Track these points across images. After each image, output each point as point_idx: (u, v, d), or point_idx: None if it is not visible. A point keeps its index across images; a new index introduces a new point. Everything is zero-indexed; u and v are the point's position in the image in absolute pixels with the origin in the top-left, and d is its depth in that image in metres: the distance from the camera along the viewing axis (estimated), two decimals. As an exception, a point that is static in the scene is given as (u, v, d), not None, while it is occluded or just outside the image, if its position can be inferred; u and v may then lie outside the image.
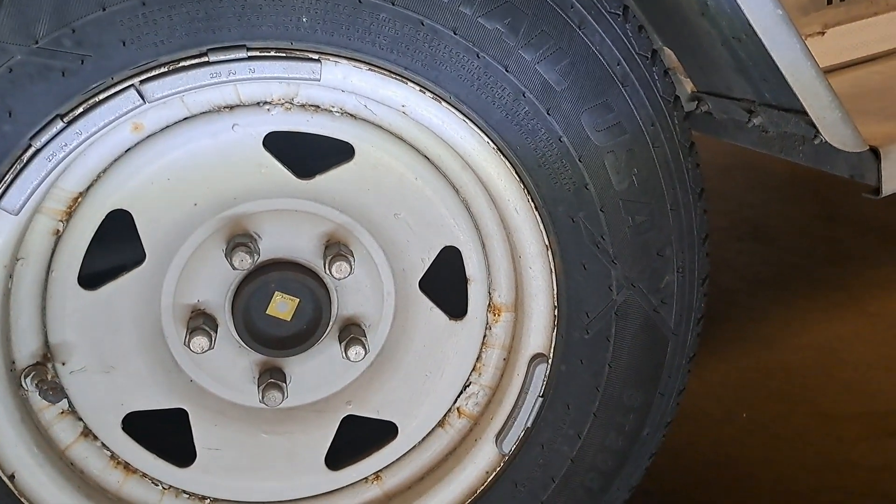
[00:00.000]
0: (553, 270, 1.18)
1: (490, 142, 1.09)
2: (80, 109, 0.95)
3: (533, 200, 1.13)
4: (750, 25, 1.16)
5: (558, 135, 1.08)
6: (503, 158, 1.10)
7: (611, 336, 1.20)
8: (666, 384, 1.26)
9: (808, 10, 1.67)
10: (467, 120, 1.07)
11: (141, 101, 0.97)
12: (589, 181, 1.12)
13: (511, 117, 1.06)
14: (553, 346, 1.22)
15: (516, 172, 1.12)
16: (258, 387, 1.21)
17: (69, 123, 0.95)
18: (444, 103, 1.06)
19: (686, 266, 1.21)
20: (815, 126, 1.31)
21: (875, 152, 1.29)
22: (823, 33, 1.71)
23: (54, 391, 1.07)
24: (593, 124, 1.09)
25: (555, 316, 1.21)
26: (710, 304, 2.82)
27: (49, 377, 1.09)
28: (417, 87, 1.04)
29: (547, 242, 1.17)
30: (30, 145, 0.95)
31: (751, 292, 2.74)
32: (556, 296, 1.19)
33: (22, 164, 0.95)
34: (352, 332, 1.22)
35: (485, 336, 1.28)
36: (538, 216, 1.15)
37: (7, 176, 0.94)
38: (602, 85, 1.08)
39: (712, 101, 1.62)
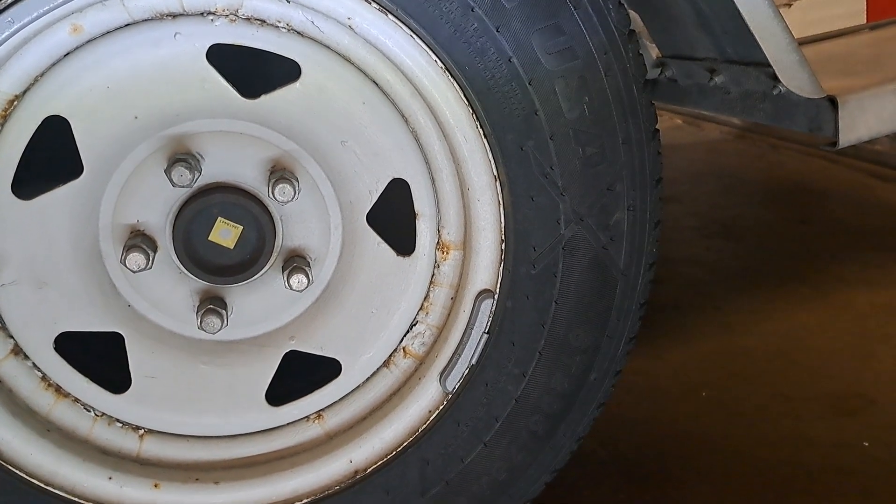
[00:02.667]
0: (501, 203, 1.14)
1: (438, 61, 1.05)
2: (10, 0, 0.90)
3: (482, 127, 1.09)
4: (708, -32, 1.14)
5: (508, 55, 1.04)
6: (451, 80, 1.06)
7: (558, 272, 1.15)
8: (615, 327, 1.21)
9: (775, -21, 1.65)
10: (414, 35, 1.03)
11: (77, -7, 0.93)
12: (539, 107, 1.07)
13: (459, 34, 1.02)
14: (499, 281, 1.17)
15: (465, 95, 1.07)
16: (196, 313, 1.15)
17: (1, 10, 0.90)
18: (390, 16, 1.01)
19: (637, 206, 1.16)
20: (774, 77, 1.28)
21: (833, 102, 1.26)
22: (790, 5, 1.69)
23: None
24: (544, 46, 1.05)
25: (502, 250, 1.16)
26: (675, 294, 2.81)
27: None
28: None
29: (496, 173, 1.12)
30: (-43, 29, 0.90)
31: (717, 284, 2.71)
32: (503, 229, 1.15)
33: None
34: (296, 263, 1.17)
35: (433, 275, 1.23)
36: (487, 144, 1.10)
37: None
38: (553, 5, 1.04)
39: (676, 66, 1.60)
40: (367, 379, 1.25)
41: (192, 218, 1.11)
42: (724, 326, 2.37)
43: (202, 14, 1.03)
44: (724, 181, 4.16)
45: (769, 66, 1.23)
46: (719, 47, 1.34)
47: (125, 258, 1.08)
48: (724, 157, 4.67)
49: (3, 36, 0.92)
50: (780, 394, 1.96)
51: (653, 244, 1.21)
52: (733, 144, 4.93)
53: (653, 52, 1.71)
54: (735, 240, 3.15)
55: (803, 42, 1.74)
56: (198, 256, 1.13)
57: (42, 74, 1.01)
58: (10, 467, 1.06)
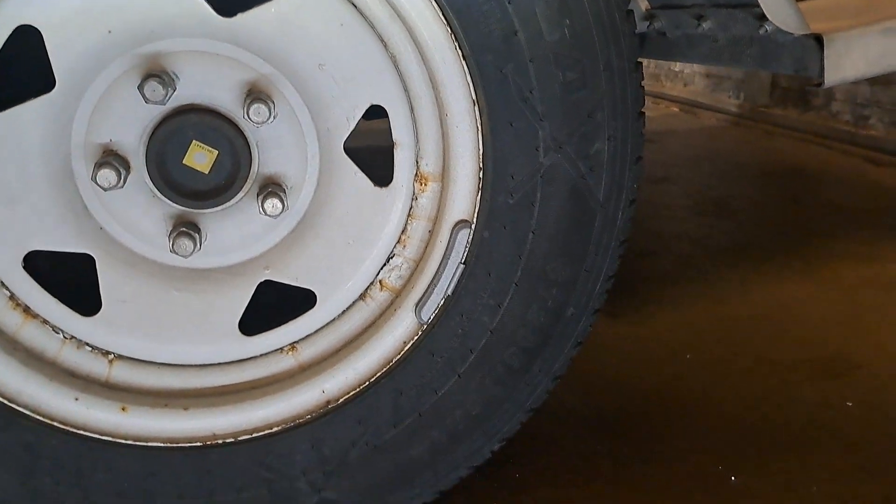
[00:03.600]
0: (479, 129, 1.11)
1: (416, -24, 1.02)
2: None
3: (461, 48, 1.07)
4: None
5: (486, -29, 1.02)
6: (429, -3, 1.04)
7: (536, 202, 1.13)
8: (593, 262, 1.18)
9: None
10: (391, -53, 1.00)
11: None
12: (519, 28, 1.05)
13: (436, -54, 1.00)
14: (477, 211, 1.15)
15: (443, 15, 1.05)
16: (169, 237, 1.13)
17: None
18: (365, -73, 0.99)
19: (618, 136, 1.14)
20: (760, 17, 1.26)
21: (818, 40, 1.24)
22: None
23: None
24: (523, -36, 1.02)
25: (479, 178, 1.13)
26: (665, 266, 2.79)
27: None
28: None
29: (474, 97, 1.10)
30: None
31: (708, 258, 2.68)
32: (481, 156, 1.12)
33: None
34: (271, 189, 1.14)
35: (411, 207, 1.20)
36: (466, 67, 1.08)
37: None
38: (533, -79, 1.02)
39: (664, 16, 1.58)
40: (343, 312, 1.22)
41: (166, 139, 1.09)
42: (712, 296, 2.35)
43: (176, -78, 1.01)
44: (718, 164, 4.14)
45: (755, 5, 1.21)
46: (707, -10, 1.32)
47: (96, 174, 1.06)
48: (718, 143, 4.65)
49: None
50: (766, 358, 1.94)
51: (633, 180, 1.19)
52: (728, 131, 4.91)
53: (642, 5, 1.69)
54: (727, 218, 3.12)
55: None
56: (171, 180, 1.10)
57: (12, -20, 0.99)
58: (-26, 382, 1.04)
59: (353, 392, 1.17)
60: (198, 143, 1.11)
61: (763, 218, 3.12)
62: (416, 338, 1.18)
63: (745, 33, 1.37)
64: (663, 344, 2.04)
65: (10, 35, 1.01)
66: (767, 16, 1.19)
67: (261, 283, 1.20)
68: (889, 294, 2.32)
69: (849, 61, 1.24)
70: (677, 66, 5.64)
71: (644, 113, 1.19)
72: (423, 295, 1.17)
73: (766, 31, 1.28)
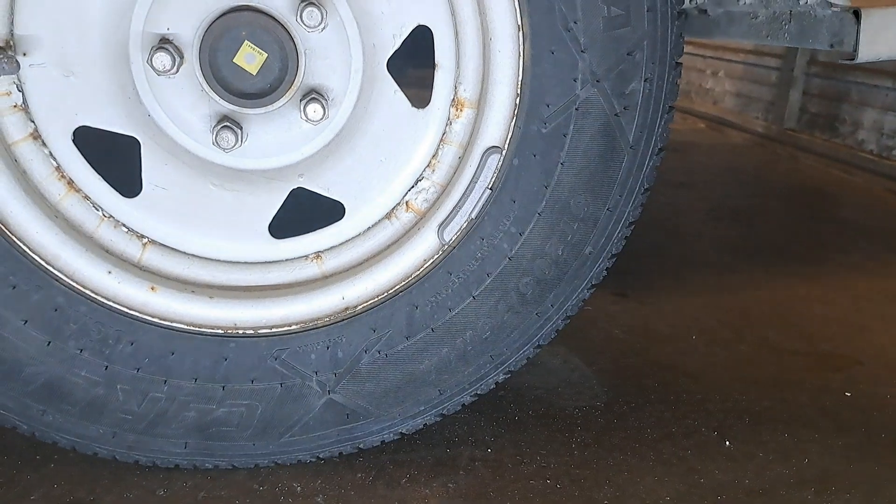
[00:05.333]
0: (521, 55, 1.13)
1: None
2: None
3: (512, -27, 1.09)
4: None
5: None
6: (487, -84, 1.06)
7: (568, 133, 1.15)
8: (616, 202, 1.20)
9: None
10: None
11: None
12: (569, -42, 1.07)
13: None
14: (509, 137, 1.17)
15: (499, -62, 1.07)
16: (213, 132, 1.16)
17: None
18: None
19: (654, 79, 1.15)
20: (802, -12, 1.27)
21: (857, 14, 1.25)
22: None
23: (10, 63, 1.01)
24: None
25: (516, 105, 1.15)
26: (679, 261, 2.78)
27: (8, 54, 1.04)
28: None
29: (520, 23, 1.12)
30: None
31: (721, 256, 2.69)
32: (520, 83, 1.14)
33: None
34: (314, 97, 1.17)
35: (444, 132, 1.22)
36: (514, -8, 1.10)
37: None
38: None
39: (707, -9, 1.59)
40: (369, 228, 1.24)
41: (219, 35, 1.12)
42: (722, 289, 2.35)
43: None
44: (739, 177, 4.13)
45: (799, -24, 1.23)
46: (753, -39, 1.33)
47: (151, 57, 1.09)
48: (742, 159, 4.64)
49: None
50: (770, 346, 1.94)
51: (664, 127, 1.20)
52: (753, 150, 4.90)
53: (687, -18, 1.70)
54: (743, 224, 3.12)
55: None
56: (220, 76, 1.13)
57: None
58: (16, 239, 1.07)
59: (371, 301, 1.19)
60: (249, 43, 1.14)
61: (778, 228, 3.12)
62: (436, 256, 1.19)
63: (784, 9, 1.39)
64: (669, 323, 2.05)
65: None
66: (811, -15, 1.20)
67: (293, 190, 1.23)
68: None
69: (884, 38, 1.25)
70: (708, 84, 5.63)
71: (681, 63, 1.20)
72: (447, 217, 1.19)
73: (808, 3, 1.29)
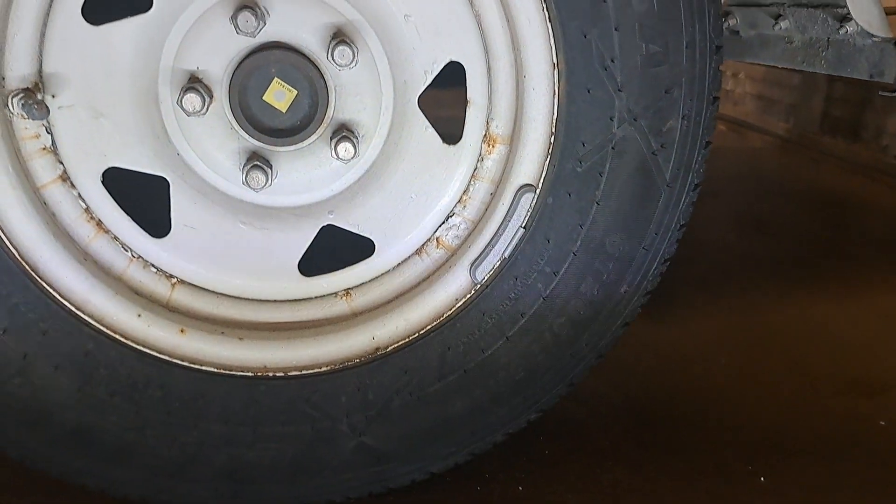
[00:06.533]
0: (556, 93, 1.10)
1: (513, -67, 1.02)
2: None
3: (548, 10, 1.06)
4: None
5: (583, -68, 1.01)
6: (524, -45, 1.03)
7: (604, 172, 1.12)
8: (652, 241, 1.17)
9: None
10: None
11: None
12: (607, -5, 1.04)
13: None
14: (543, 176, 1.14)
15: (535, -25, 1.05)
16: (242, 170, 1.14)
17: None
18: None
19: (692, 116, 1.12)
20: (841, 18, 1.24)
21: (899, 44, 1.21)
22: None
23: (39, 108, 1.00)
24: (620, -71, 1.01)
25: (550, 143, 1.12)
26: (704, 274, 2.74)
27: (38, 98, 1.02)
28: None
29: (555, 60, 1.09)
30: None
31: (746, 270, 2.65)
32: (555, 121, 1.11)
33: None
34: (344, 134, 1.15)
35: (476, 168, 1.20)
36: (550, 29, 1.07)
37: None
38: None
39: (741, 14, 1.55)
40: (399, 264, 1.22)
41: (249, 73, 1.10)
42: (749, 306, 2.31)
43: None
44: (762, 184, 4.07)
45: (838, 5, 1.19)
46: (789, -13, 1.30)
47: (181, 98, 1.07)
48: (764, 164, 4.57)
49: None
50: (798, 369, 1.90)
51: (701, 163, 1.17)
52: (774, 154, 4.83)
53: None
54: (767, 235, 3.07)
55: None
56: (250, 113, 1.11)
57: None
58: (46, 285, 1.06)
59: (403, 342, 1.17)
60: (279, 80, 1.12)
61: (803, 239, 3.07)
62: (468, 296, 1.17)
63: (822, 35, 1.35)
64: (697, 344, 2.01)
65: (115, -45, 1.03)
66: (853, 14, 1.16)
67: (323, 227, 1.21)
68: (927, 324, 2.27)
69: (929, 69, 1.21)
70: (729, 85, 5.56)
71: (719, 97, 1.17)
72: (480, 255, 1.17)
73: (847, 32, 1.25)
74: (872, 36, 1.21)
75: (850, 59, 1.31)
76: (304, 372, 1.15)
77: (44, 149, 1.08)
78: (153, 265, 1.16)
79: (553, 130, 1.11)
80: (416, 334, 1.17)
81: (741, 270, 2.63)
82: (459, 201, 1.21)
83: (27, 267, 1.04)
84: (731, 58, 1.71)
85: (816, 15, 1.33)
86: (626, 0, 1.04)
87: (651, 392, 1.74)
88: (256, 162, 1.13)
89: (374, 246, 1.22)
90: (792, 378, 1.86)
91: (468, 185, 1.20)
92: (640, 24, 1.05)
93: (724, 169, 4.36)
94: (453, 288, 1.18)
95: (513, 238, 1.15)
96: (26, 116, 1.01)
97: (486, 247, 1.17)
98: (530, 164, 1.14)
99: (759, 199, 3.73)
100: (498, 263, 1.16)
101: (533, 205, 1.14)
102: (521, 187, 1.15)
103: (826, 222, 3.41)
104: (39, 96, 1.04)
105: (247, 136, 1.12)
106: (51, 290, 1.06)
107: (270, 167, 1.15)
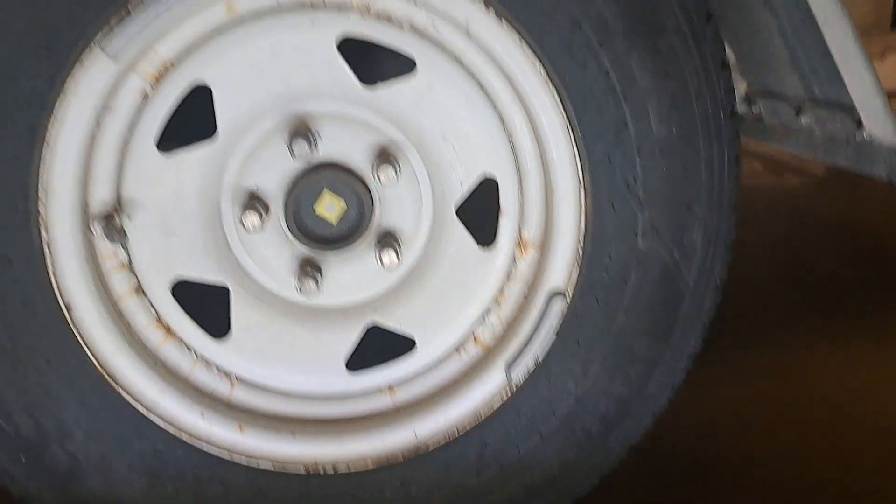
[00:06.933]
0: (583, 208, 1.19)
1: (542, 69, 1.11)
2: (184, -28, 1.02)
3: (574, 134, 1.15)
4: (809, 10, 1.17)
5: (606, 70, 1.10)
6: (552, 87, 1.12)
7: (629, 281, 1.19)
8: (677, 341, 1.23)
9: (871, 33, 1.66)
10: (524, 43, 1.10)
11: (237, -23, 1.04)
12: (630, 121, 1.13)
13: (565, 47, 1.09)
14: (572, 283, 1.21)
15: (562, 103, 1.13)
16: (295, 276, 1.24)
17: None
18: (504, 22, 1.09)
19: (712, 227, 1.19)
20: (858, 122, 1.30)
21: (915, 150, 1.26)
22: (883, 57, 1.69)
23: (119, 233, 1.12)
24: (642, 65, 1.09)
25: (578, 254, 1.21)
26: (738, 333, 2.73)
27: (116, 223, 1.15)
28: (483, 4, 1.08)
29: (581, 179, 1.17)
30: (131, -4, 1.02)
31: (781, 328, 2.65)
32: (582, 234, 1.19)
33: (126, 14, 1.02)
34: (388, 242, 1.25)
35: (509, 270, 1.28)
36: (576, 151, 1.16)
37: (112, 20, 1.02)
38: (655, 28, 1.09)
39: (763, 103, 1.62)
40: (439, 361, 1.31)
41: (303, 189, 1.21)
42: (783, 371, 2.32)
43: (338, 7, 1.13)
44: (798, 229, 4.05)
45: (854, 109, 1.26)
46: (808, 87, 1.36)
47: (242, 217, 1.18)
48: (801, 205, 4.55)
49: (170, 4, 1.03)
50: (832, 444, 1.91)
51: (723, 267, 1.24)
52: (812, 195, 4.80)
53: (740, 87, 1.74)
54: (805, 285, 3.07)
55: (892, 95, 1.73)
56: (303, 224, 1.22)
57: (196, 46, 1.13)
58: (122, 390, 1.17)
59: (443, 438, 1.25)
60: (330, 194, 1.22)
61: (840, 293, 3.05)
62: (504, 395, 1.25)
63: (841, 134, 1.41)
64: (732, 413, 2.03)
65: (187, 91, 1.15)
66: (864, 123, 1.23)
67: (368, 325, 1.30)
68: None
69: (945, 175, 1.26)
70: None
71: (738, 205, 1.24)
72: (515, 356, 1.25)
73: (863, 136, 1.31)
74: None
75: (868, 158, 1.36)
76: (350, 467, 1.24)
77: (121, 265, 1.20)
78: (215, 365, 1.27)
79: (581, 241, 1.20)
80: (456, 431, 1.25)
81: (776, 329, 2.64)
82: (495, 301, 1.29)
83: (106, 375, 1.16)
84: (755, 139, 1.78)
85: (835, 114, 1.39)
86: (648, 126, 1.12)
87: (677, 463, 1.76)
88: (308, 269, 1.24)
89: (415, 343, 1.30)
90: (824, 452, 1.86)
91: (503, 286, 1.29)
92: (661, 148, 1.13)
93: (761, 216, 4.35)
94: (490, 386, 1.26)
95: (546, 340, 1.23)
96: (107, 240, 1.13)
97: (521, 348, 1.25)
98: (560, 270, 1.22)
99: (795, 243, 3.72)
100: (532, 365, 1.24)
101: (564, 310, 1.22)
102: (553, 292, 1.23)
103: (863, 269, 3.38)
104: (118, 219, 1.16)
105: (300, 244, 1.23)
106: (126, 396, 1.17)
107: (320, 273, 1.25)
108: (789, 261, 3.51)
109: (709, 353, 2.44)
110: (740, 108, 1.66)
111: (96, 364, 1.15)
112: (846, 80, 1.18)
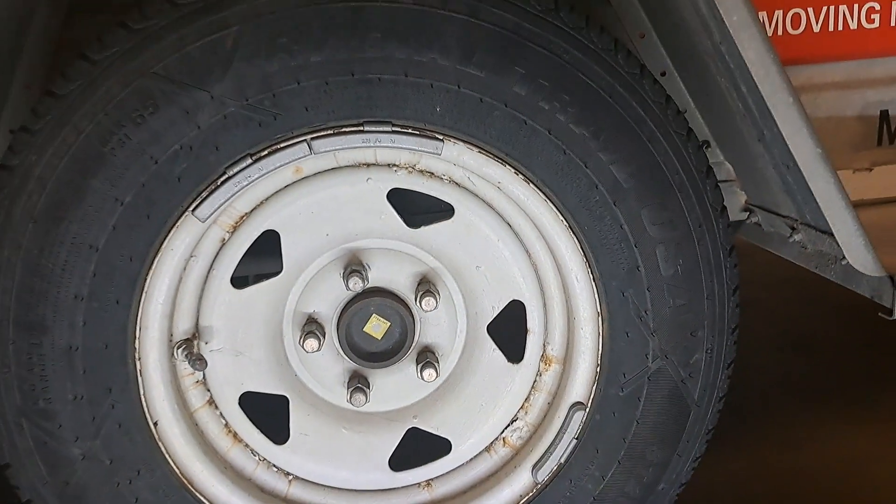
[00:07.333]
0: (601, 334, 1.36)
1: (564, 220, 1.29)
2: (266, 152, 1.21)
3: (592, 273, 1.33)
4: (793, 157, 1.35)
5: (620, 223, 1.28)
6: (572, 235, 1.30)
7: (642, 397, 1.36)
8: (684, 448, 1.40)
9: (859, 147, 1.83)
10: (548, 200, 1.28)
11: (308, 152, 1.22)
12: (641, 264, 1.30)
13: (584, 203, 1.27)
14: (591, 397, 1.38)
15: (581, 248, 1.31)
16: (347, 389, 1.41)
17: (255, 161, 1.21)
18: (531, 185, 1.27)
19: (714, 349, 1.36)
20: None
21: (892, 279, 1.43)
22: (871, 170, 1.86)
23: (200, 362, 1.30)
24: (651, 219, 1.28)
25: (597, 372, 1.38)
26: (742, 403, 2.84)
27: (195, 350, 1.33)
28: (513, 170, 1.27)
29: (599, 310, 1.35)
30: (224, 173, 1.21)
31: (784, 398, 2.77)
32: (600, 356, 1.37)
33: (216, 186, 1.21)
34: (427, 358, 1.42)
35: (535, 381, 1.45)
36: (594, 287, 1.33)
37: (204, 193, 1.21)
38: (661, 188, 1.28)
39: (762, 215, 1.79)
40: (471, 459, 1.47)
41: (354, 313, 1.38)
42: (786, 443, 2.44)
43: (388, 165, 1.32)
44: (804, 292, 4.15)
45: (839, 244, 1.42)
46: (800, 212, 1.54)
47: (303, 342, 1.36)
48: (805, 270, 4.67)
49: (252, 178, 1.23)
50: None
51: (724, 381, 1.40)
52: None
53: (741, 198, 1.91)
54: (806, 355, 3.17)
55: (882, 203, 1.89)
56: (353, 342, 1.39)
57: (266, 199, 1.31)
58: (198, 493, 1.34)
59: (477, 532, 1.41)
60: (377, 316, 1.40)
61: (843, 361, 3.15)
62: (530, 494, 1.41)
63: (830, 252, 1.58)
64: (736, 491, 2.16)
65: (258, 236, 1.34)
66: (848, 259, 1.39)
67: (408, 429, 1.47)
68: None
69: (919, 299, 1.42)
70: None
71: (738, 327, 1.41)
72: (540, 459, 1.41)
73: (848, 262, 1.47)
74: (868, 271, 1.43)
75: (854, 278, 1.53)
76: (395, 556, 1.40)
77: (197, 382, 1.38)
78: (275, 466, 1.43)
79: (599, 362, 1.37)
80: (488, 525, 1.41)
81: (779, 399, 2.76)
82: (522, 407, 1.46)
83: (185, 480, 1.33)
84: (755, 243, 1.94)
85: (824, 239, 1.55)
86: (656, 267, 1.30)
87: None
88: (358, 384, 1.41)
89: (450, 445, 1.47)
90: None
91: (529, 395, 1.46)
92: (668, 285, 1.31)
93: (766, 273, 4.45)
94: (518, 486, 1.42)
95: (567, 447, 1.39)
96: (188, 366, 1.31)
97: (546, 452, 1.41)
98: (580, 386, 1.39)
99: (801, 309, 3.82)
100: (555, 467, 1.40)
101: (584, 420, 1.39)
102: (574, 405, 1.40)
103: (867, 337, 3.48)
104: (196, 345, 1.34)
105: (350, 360, 1.40)
106: (202, 499, 1.34)
107: (368, 385, 1.42)
108: (791, 324, 3.62)
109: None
110: (741, 215, 1.83)
111: (177, 471, 1.32)
112: (831, 223, 1.35)
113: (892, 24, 1.70)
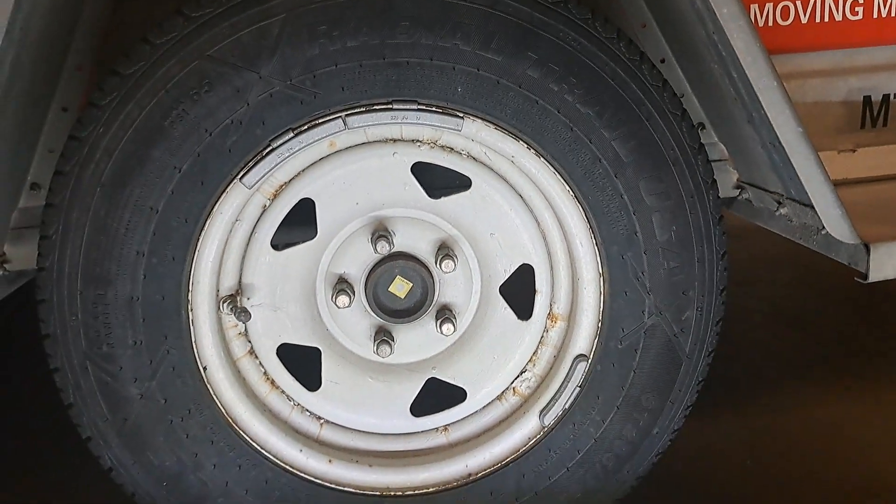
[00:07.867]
0: (602, 293, 1.51)
1: (570, 191, 1.44)
2: (306, 126, 1.35)
3: (594, 238, 1.48)
4: (778, 137, 1.49)
5: (620, 193, 1.43)
6: (577, 204, 1.45)
7: (638, 349, 1.51)
8: (676, 396, 1.55)
9: (843, 130, 1.97)
10: (556, 173, 1.43)
11: (343, 127, 1.37)
12: (638, 230, 1.45)
13: (588, 175, 1.42)
14: (593, 350, 1.54)
15: (585, 216, 1.46)
16: (373, 342, 1.57)
17: (296, 134, 1.36)
18: (541, 158, 1.42)
19: (704, 307, 1.51)
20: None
21: (866, 247, 1.58)
22: (854, 151, 2.00)
23: (244, 314, 1.46)
24: (648, 189, 1.43)
25: (598, 328, 1.53)
26: (735, 374, 2.97)
27: (239, 304, 1.48)
28: (525, 145, 1.41)
29: (600, 272, 1.50)
30: (269, 145, 1.36)
31: (775, 369, 2.91)
32: (601, 313, 1.52)
33: (261, 157, 1.36)
34: (446, 315, 1.57)
35: (542, 337, 1.61)
36: (597, 251, 1.48)
37: (251, 163, 1.36)
38: (657, 162, 1.42)
39: (752, 191, 1.94)
40: (484, 406, 1.63)
41: (380, 274, 1.54)
42: (775, 408, 2.59)
43: (412, 141, 1.46)
44: (799, 270, 4.27)
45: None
46: (785, 187, 1.68)
47: (336, 298, 1.52)
48: (803, 248, 4.77)
49: (293, 150, 1.37)
50: (815, 477, 2.17)
51: (713, 337, 1.55)
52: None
53: (733, 177, 2.05)
54: (799, 329, 3.31)
55: (864, 181, 2.03)
56: (379, 301, 1.55)
57: (304, 170, 1.46)
58: (241, 431, 1.50)
59: (488, 469, 1.57)
60: (401, 277, 1.55)
61: (835, 335, 3.28)
62: (538, 436, 1.57)
63: (812, 224, 1.72)
64: (725, 445, 2.31)
65: (296, 204, 1.49)
66: (826, 228, 1.54)
67: (428, 379, 1.62)
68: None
69: (890, 264, 1.57)
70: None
71: (726, 288, 1.56)
72: (547, 405, 1.57)
73: (827, 231, 1.62)
74: (845, 240, 1.58)
75: (834, 246, 1.68)
76: (417, 492, 1.56)
77: (239, 333, 1.53)
78: (308, 410, 1.60)
79: (600, 318, 1.52)
80: (499, 464, 1.57)
81: (770, 369, 2.90)
82: (530, 360, 1.62)
83: (230, 420, 1.49)
84: (746, 218, 2.08)
85: (807, 212, 1.70)
86: (652, 233, 1.45)
87: (680, 486, 2.03)
88: (383, 337, 1.56)
89: (465, 393, 1.63)
90: (809, 485, 2.13)
91: (536, 349, 1.61)
92: (663, 249, 1.46)
93: (761, 253, 4.57)
94: (527, 429, 1.58)
95: (571, 395, 1.55)
96: (234, 318, 1.47)
97: (552, 399, 1.57)
98: (583, 339, 1.55)
99: (795, 288, 3.94)
100: (560, 413, 1.56)
101: (586, 370, 1.54)
102: (577, 356, 1.56)
103: (860, 315, 3.60)
104: (239, 300, 1.50)
105: (376, 316, 1.55)
106: (245, 436, 1.50)
107: (392, 339, 1.58)
108: (786, 301, 3.75)
109: (712, 389, 2.71)
110: (733, 192, 1.98)
111: (223, 412, 1.49)
112: (811, 196, 1.49)
113: (875, 16, 1.84)
